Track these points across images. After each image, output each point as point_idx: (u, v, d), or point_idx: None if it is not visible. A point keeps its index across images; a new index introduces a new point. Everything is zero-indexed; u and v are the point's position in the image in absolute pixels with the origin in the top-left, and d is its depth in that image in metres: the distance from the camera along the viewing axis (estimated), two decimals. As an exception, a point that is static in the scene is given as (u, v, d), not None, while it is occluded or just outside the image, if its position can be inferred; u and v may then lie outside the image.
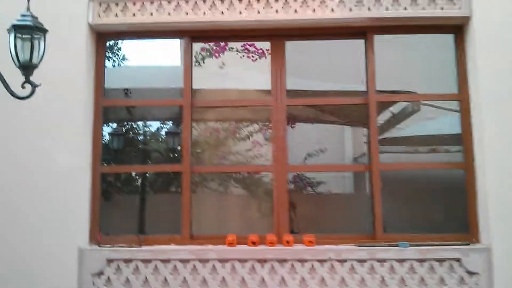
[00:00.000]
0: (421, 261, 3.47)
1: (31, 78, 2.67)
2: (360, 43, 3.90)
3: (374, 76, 3.83)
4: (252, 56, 6.79)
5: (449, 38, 3.93)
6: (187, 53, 3.97)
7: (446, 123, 6.07)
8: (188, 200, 3.82)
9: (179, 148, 5.42)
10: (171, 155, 5.58)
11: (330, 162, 7.09)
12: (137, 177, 5.45)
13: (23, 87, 2.67)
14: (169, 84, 5.08)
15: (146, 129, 5.95)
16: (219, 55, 5.86)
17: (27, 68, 2.63)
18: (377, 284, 3.46)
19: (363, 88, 3.89)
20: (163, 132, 5.99)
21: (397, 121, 6.32)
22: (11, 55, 2.63)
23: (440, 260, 3.47)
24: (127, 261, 3.61)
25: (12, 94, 2.68)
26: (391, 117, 6.40)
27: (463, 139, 3.76)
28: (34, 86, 2.68)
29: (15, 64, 2.63)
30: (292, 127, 7.75)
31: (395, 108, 6.12)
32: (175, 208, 4.49)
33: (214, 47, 5.79)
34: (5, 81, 2.66)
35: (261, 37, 3.97)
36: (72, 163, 3.66)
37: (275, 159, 3.83)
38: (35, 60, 2.64)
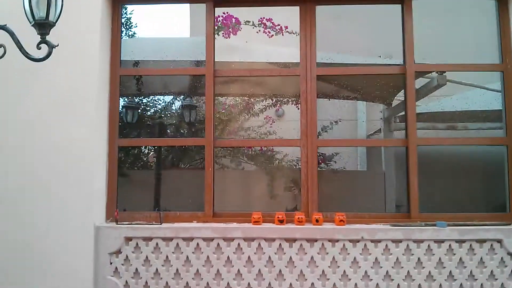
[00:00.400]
0: (460, 241, 3.26)
1: (48, 38, 2.40)
2: (394, 10, 3.62)
3: (412, 44, 3.56)
4: (269, 32, 6.49)
5: (491, 4, 3.64)
6: (210, 19, 3.70)
7: (476, 98, 5.83)
8: (211, 175, 3.60)
9: (194, 122, 5.19)
10: (187, 129, 5.34)
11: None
12: (152, 151, 5.23)
13: (38, 47, 2.41)
14: (178, 56, 4.82)
15: (160, 102, 5.68)
16: (231, 34, 5.57)
17: (43, 26, 2.37)
18: (413, 266, 3.27)
19: (395, 62, 3.63)
20: (175, 106, 5.73)
21: (420, 96, 6.04)
22: (25, 12, 2.36)
23: (481, 241, 3.26)
24: (147, 239, 3.41)
25: (27, 55, 2.42)
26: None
27: (506, 113, 3.51)
28: (51, 46, 2.42)
29: (29, 21, 2.37)
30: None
31: (417, 83, 5.86)
32: (195, 184, 4.27)
33: (225, 22, 5.49)
34: (18, 41, 2.40)
35: (290, 1, 3.67)
36: (88, 136, 3.42)
37: (304, 133, 3.59)
38: (51, 17, 2.37)
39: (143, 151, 5.26)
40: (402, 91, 6.45)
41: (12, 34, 2.40)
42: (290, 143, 3.98)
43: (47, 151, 3.40)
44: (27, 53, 2.42)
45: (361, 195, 5.78)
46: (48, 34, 2.41)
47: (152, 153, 5.38)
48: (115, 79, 3.67)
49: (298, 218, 3.39)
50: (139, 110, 5.29)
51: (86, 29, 3.46)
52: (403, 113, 6.81)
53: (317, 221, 3.37)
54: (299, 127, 3.60)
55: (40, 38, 2.40)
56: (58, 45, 2.44)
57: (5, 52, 2.43)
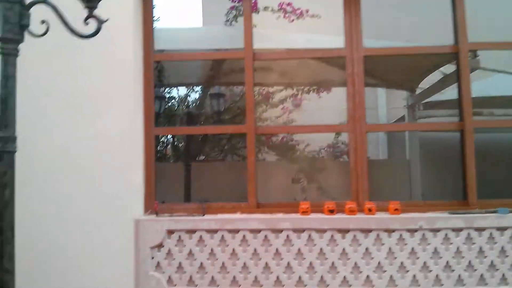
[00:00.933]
0: (525, 229, 3.07)
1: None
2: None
3: (464, 21, 3.36)
4: (289, 17, 6.29)
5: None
6: (247, 1, 3.49)
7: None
8: (253, 164, 3.41)
9: (222, 110, 4.99)
10: (215, 119, 5.14)
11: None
12: (183, 143, 5.04)
13: (86, 23, 2.20)
14: (201, 45, 4.62)
15: (185, 92, 5.48)
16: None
17: (90, -1, 2.16)
18: (474, 256, 3.07)
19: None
20: (199, 96, 5.53)
21: (448, 83, 5.84)
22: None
23: (545, 228, 3.07)
24: (190, 231, 3.22)
25: (74, 32, 2.22)
26: (441, 78, 5.95)
27: None
28: (100, 21, 2.21)
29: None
30: (328, 93, 7.32)
31: (447, 69, 5.67)
32: (234, 174, 4.08)
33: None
34: (62, 16, 2.19)
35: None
36: (124, 125, 3.24)
37: (351, 117, 3.39)
38: (100, -12, 2.17)
39: (170, 141, 5.07)
40: (427, 78, 6.30)
41: (54, 9, 2.19)
42: (337, 129, 3.80)
43: (82, 141, 3.21)
44: (74, 29, 2.21)
45: (386, 184, 5.58)
46: (96, 7, 2.21)
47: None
48: (149, 65, 3.48)
49: (350, 207, 3.20)
50: (166, 100, 5.09)
51: (119, 15, 3.25)
52: (427, 100, 6.65)
53: (370, 210, 3.18)
54: (316, 117, 3.40)
55: (88, 12, 2.20)
56: (107, 20, 2.23)
57: (48, 29, 2.22)
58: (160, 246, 3.22)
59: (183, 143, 5.28)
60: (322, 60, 4.60)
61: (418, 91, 6.74)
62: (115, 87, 3.25)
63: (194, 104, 5.45)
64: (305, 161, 6.33)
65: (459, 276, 3.05)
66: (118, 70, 3.26)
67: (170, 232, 3.22)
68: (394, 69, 5.33)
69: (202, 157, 5.56)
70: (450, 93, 6.30)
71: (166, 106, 5.06)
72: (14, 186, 1.98)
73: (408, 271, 3.07)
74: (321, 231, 3.14)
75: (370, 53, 3.42)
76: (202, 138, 5.78)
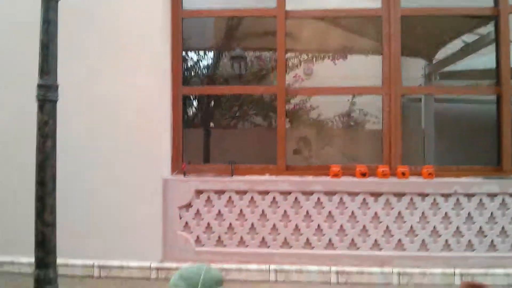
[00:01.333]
0: (561, 195, 3.02)
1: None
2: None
3: (507, -19, 3.21)
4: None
5: None
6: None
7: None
8: (283, 126, 3.32)
9: (244, 73, 4.87)
10: (237, 81, 5.02)
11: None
12: (212, 103, 4.90)
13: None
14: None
15: (207, 55, 5.32)
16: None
17: None
18: (508, 221, 3.04)
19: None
20: (222, 58, 5.38)
21: (469, 52, 5.70)
22: None
23: None
24: (219, 192, 3.17)
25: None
26: (462, 47, 5.81)
27: None
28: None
29: None
30: (344, 59, 7.15)
31: (469, 37, 5.52)
32: (261, 137, 4.01)
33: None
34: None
35: None
36: (152, 83, 3.13)
37: (386, 79, 3.29)
38: None
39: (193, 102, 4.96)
40: (445, 47, 6.14)
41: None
42: (371, 91, 3.68)
43: (110, 100, 3.12)
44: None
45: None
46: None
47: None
48: (177, 23, 3.34)
49: (383, 171, 3.13)
50: (189, 62, 4.96)
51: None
52: (444, 69, 6.51)
53: (403, 174, 3.12)
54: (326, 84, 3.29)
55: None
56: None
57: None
58: (188, 206, 3.17)
59: (198, 108, 5.17)
60: (341, 26, 4.45)
61: (434, 61, 6.60)
62: (144, 42, 3.14)
63: (215, 68, 5.30)
64: (317, 128, 6.25)
65: (492, 241, 3.03)
66: (147, 25, 3.13)
67: (199, 192, 3.17)
68: (409, 37, 5.18)
69: (216, 122, 5.48)
70: (466, 63, 6.20)
71: (189, 70, 4.92)
72: (55, 137, 1.90)
73: (440, 235, 3.04)
74: (353, 194, 3.09)
75: (407, 13, 3.29)
76: (214, 104, 5.67)
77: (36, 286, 1.72)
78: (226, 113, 5.38)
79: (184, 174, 3.25)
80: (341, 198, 3.10)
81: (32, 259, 3.11)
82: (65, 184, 2.88)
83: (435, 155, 6.27)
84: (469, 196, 3.04)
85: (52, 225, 1.82)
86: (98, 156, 3.11)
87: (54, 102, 1.91)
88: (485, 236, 3.03)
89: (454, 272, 2.96)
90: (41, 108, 1.87)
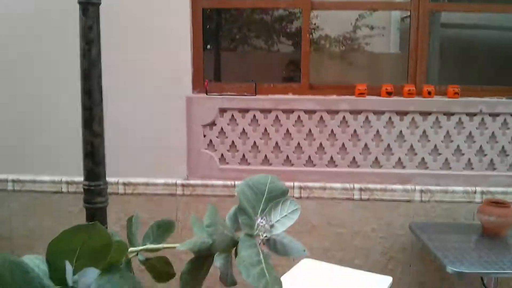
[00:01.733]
0: None
1: None
2: None
3: None
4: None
5: None
6: None
7: None
8: (307, 42, 3.23)
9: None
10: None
11: (377, 24, 6.25)
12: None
13: None
14: None
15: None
16: None
17: None
18: (530, 141, 3.07)
19: None
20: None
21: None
22: None
23: None
24: (243, 110, 3.13)
25: None
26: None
27: None
28: None
29: None
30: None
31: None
32: (283, 55, 3.91)
33: None
34: None
35: None
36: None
37: (416, -5, 3.17)
38: None
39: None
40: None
41: None
42: (398, 6, 3.56)
43: (127, 9, 2.97)
44: None
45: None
46: None
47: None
48: None
49: (409, 90, 3.10)
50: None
51: None
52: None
53: (429, 93, 3.10)
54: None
55: None
56: None
57: None
58: (212, 124, 3.14)
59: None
60: None
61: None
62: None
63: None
64: (322, 49, 6.10)
65: (513, 160, 3.08)
66: None
67: (223, 111, 3.13)
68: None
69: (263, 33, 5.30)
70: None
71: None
72: (100, 43, 1.80)
73: (463, 154, 3.08)
74: (379, 113, 3.08)
75: None
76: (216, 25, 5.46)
77: (86, 198, 1.71)
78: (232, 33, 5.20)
79: (206, 92, 3.18)
80: (366, 117, 3.09)
81: (54, 177, 3.12)
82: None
83: (440, 81, 6.23)
84: (494, 115, 3.05)
85: (101, 136, 1.78)
86: (122, 75, 3.02)
87: (97, 5, 1.80)
88: (507, 155, 3.08)
89: (476, 190, 3.03)
90: (84, 12, 1.76)
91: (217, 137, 3.15)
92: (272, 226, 0.80)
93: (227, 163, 3.17)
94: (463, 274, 2.31)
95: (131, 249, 0.87)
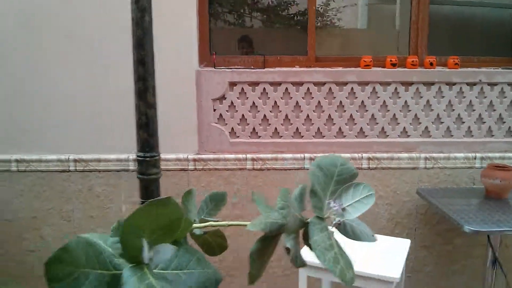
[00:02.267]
0: None
1: None
2: None
3: None
4: None
5: None
6: None
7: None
8: (313, 14, 3.25)
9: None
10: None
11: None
12: None
13: None
14: None
15: None
16: None
17: None
18: (524, 109, 3.26)
19: None
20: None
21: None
22: None
23: None
24: (253, 84, 3.13)
25: None
26: None
27: None
28: None
29: None
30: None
31: None
32: (288, 29, 3.91)
33: None
34: None
35: None
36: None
37: (418, -32, 3.24)
38: None
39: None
40: None
41: None
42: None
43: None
44: None
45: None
46: None
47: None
48: None
49: (412, 61, 3.20)
50: None
51: None
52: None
53: (431, 64, 3.21)
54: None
55: None
56: None
57: None
58: (222, 98, 3.13)
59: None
60: None
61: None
62: None
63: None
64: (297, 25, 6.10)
65: (509, 128, 3.25)
66: None
67: (233, 84, 3.12)
68: None
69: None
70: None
71: None
72: (151, 12, 1.74)
73: (464, 122, 3.22)
74: (385, 84, 3.16)
75: None
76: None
77: (141, 170, 1.67)
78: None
79: (214, 66, 3.15)
80: (373, 88, 3.17)
81: (61, 156, 3.03)
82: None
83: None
84: (492, 85, 3.20)
85: (155, 107, 1.74)
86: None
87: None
88: (504, 122, 3.25)
89: (476, 156, 3.20)
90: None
91: (227, 111, 3.14)
92: (344, 209, 0.79)
93: (238, 136, 3.17)
94: (478, 233, 2.46)
95: (197, 225, 0.87)
